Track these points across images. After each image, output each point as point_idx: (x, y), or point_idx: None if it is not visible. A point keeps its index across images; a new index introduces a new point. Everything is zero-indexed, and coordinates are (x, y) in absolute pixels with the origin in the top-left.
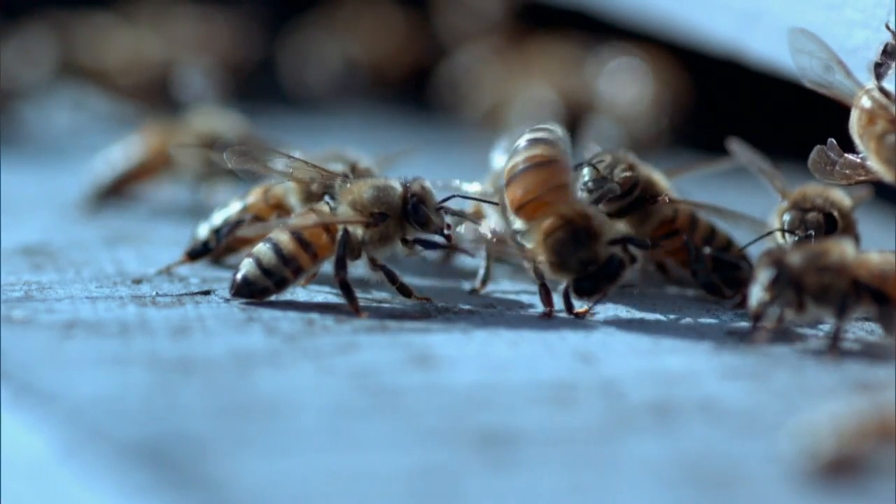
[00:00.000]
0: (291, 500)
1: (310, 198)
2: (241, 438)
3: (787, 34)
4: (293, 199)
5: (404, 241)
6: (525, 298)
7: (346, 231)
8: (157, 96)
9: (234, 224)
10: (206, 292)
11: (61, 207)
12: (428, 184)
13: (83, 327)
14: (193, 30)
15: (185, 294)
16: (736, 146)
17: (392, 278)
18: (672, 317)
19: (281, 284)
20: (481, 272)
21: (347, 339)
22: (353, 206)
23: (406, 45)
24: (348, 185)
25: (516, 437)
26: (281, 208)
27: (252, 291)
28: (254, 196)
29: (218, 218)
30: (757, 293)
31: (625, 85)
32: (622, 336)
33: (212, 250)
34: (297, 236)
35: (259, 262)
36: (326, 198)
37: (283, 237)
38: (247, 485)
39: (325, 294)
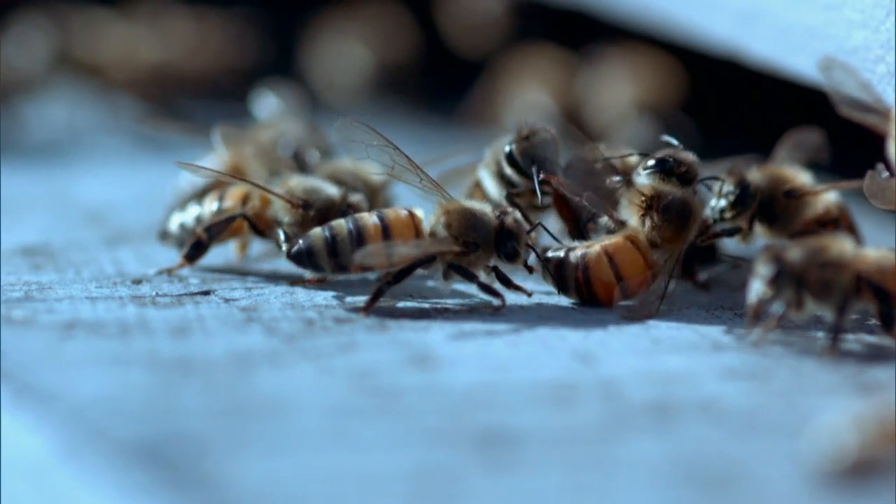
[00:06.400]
0: (291, 500)
1: (303, 225)
2: (241, 438)
3: (820, 63)
4: (286, 219)
5: (487, 266)
6: (525, 298)
7: (433, 257)
8: (152, 93)
9: (222, 222)
10: (206, 292)
11: (61, 207)
12: (520, 216)
13: (83, 327)
14: (188, 30)
15: (185, 294)
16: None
17: (471, 278)
18: (672, 317)
19: (341, 270)
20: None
21: (347, 339)
22: (448, 230)
23: (413, 47)
24: (444, 204)
25: (516, 437)
26: (261, 220)
27: (309, 264)
28: (231, 200)
29: (191, 213)
30: (757, 289)
31: (619, 87)
32: (622, 336)
33: (207, 248)
34: (384, 227)
35: (332, 241)
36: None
37: (369, 223)
38: (247, 485)
39: (326, 294)
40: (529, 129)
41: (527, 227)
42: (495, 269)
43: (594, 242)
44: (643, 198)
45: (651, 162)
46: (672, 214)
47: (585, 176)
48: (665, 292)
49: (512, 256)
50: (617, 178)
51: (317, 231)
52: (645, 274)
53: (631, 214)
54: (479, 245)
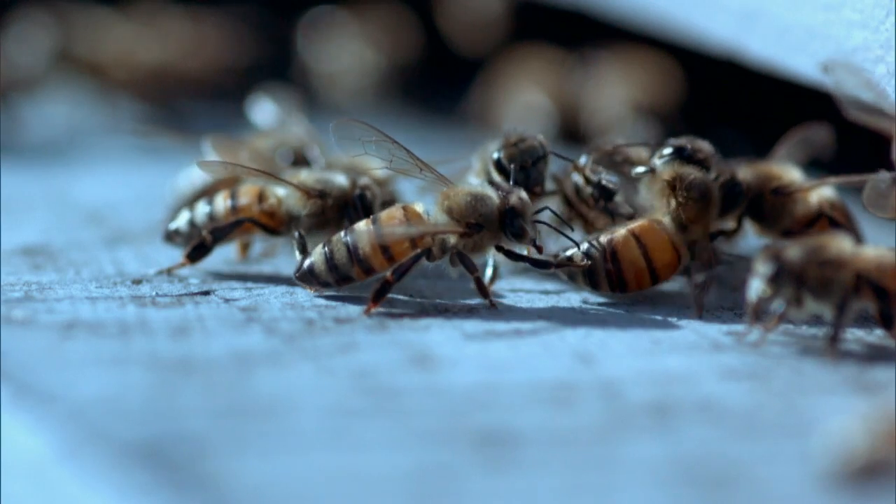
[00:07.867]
0: (291, 500)
1: (323, 216)
2: (241, 438)
3: (828, 66)
4: (303, 211)
5: (498, 248)
6: (525, 298)
7: (428, 251)
8: (151, 94)
9: (229, 225)
10: (206, 292)
11: (61, 207)
12: (525, 195)
13: (83, 327)
14: (187, 30)
15: (185, 294)
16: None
17: (472, 269)
18: (672, 317)
19: (345, 281)
20: (489, 270)
21: (347, 339)
22: (450, 214)
23: (413, 46)
24: (445, 190)
25: (516, 438)
26: (275, 217)
27: (314, 282)
28: (246, 198)
29: (201, 211)
30: (756, 287)
31: (617, 88)
32: (621, 336)
33: (210, 250)
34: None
35: (330, 256)
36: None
37: (363, 229)
38: (247, 485)
39: (325, 294)
40: (517, 136)
41: (532, 205)
42: (506, 251)
43: (619, 228)
44: (665, 180)
45: (668, 149)
46: (695, 194)
47: (608, 166)
48: (706, 286)
49: (519, 235)
50: (639, 170)
51: (318, 249)
52: (673, 256)
53: (653, 199)
54: (483, 226)
